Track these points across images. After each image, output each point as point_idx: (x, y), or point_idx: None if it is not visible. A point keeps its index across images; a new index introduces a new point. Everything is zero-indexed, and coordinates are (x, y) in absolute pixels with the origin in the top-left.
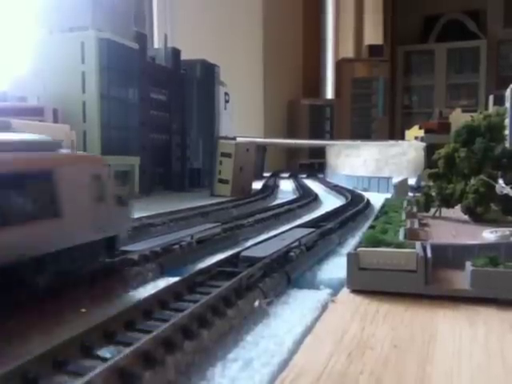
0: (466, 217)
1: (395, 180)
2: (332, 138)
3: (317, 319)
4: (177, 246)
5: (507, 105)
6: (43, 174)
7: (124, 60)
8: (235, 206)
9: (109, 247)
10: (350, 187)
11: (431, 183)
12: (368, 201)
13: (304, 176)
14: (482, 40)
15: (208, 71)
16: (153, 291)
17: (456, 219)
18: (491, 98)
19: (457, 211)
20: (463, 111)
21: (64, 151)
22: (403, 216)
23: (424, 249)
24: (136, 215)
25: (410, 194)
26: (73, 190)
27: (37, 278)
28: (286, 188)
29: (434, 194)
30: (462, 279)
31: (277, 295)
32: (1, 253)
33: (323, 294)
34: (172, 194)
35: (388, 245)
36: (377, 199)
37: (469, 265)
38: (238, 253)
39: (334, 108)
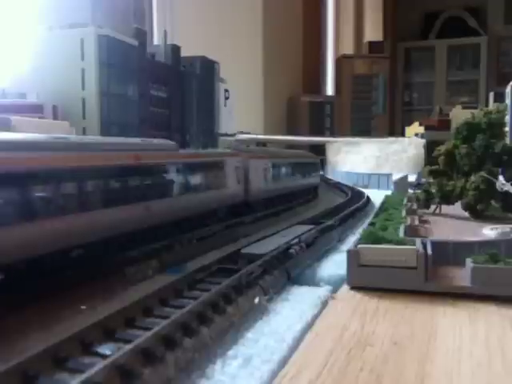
0: (466, 214)
1: (395, 177)
2: (332, 134)
3: (317, 316)
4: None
5: (507, 102)
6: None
7: (124, 57)
8: None
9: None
10: (350, 184)
11: (431, 180)
12: (368, 198)
13: None
14: (483, 37)
15: (208, 68)
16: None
17: (456, 216)
18: (491, 94)
19: (457, 208)
20: (463, 108)
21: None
22: (403, 213)
23: (424, 245)
24: None
25: (410, 191)
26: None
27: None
28: None
29: (434, 190)
30: (462, 276)
31: (277, 292)
32: (218, 199)
33: (323, 290)
34: None
35: (388, 242)
36: (377, 196)
37: (469, 262)
38: (238, 250)
39: (334, 105)
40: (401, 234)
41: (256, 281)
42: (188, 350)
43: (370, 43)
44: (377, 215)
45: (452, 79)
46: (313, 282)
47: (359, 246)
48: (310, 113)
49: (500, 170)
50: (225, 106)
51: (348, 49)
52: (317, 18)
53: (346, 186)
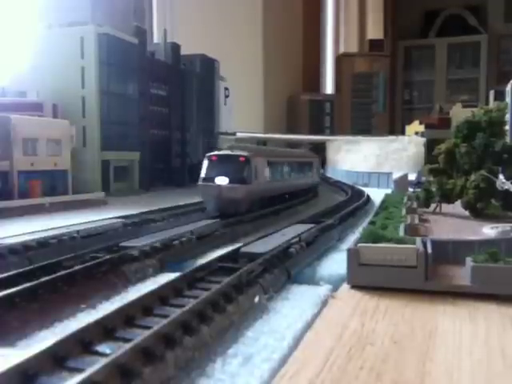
0: (466, 212)
1: (395, 175)
2: (332, 133)
3: (317, 315)
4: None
5: (508, 100)
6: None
7: (123, 55)
8: None
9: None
10: (350, 183)
11: (431, 178)
12: (368, 196)
13: None
14: (483, 35)
15: (208, 66)
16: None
17: (456, 215)
18: (492, 93)
19: (457, 207)
20: (464, 106)
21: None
22: (403, 211)
23: (424, 244)
24: (134, 211)
25: (410, 190)
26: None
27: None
28: None
29: (434, 189)
30: (462, 275)
31: (277, 291)
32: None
33: (323, 289)
34: (172, 190)
35: (388, 240)
36: (377, 195)
37: (469, 261)
38: (238, 248)
39: (334, 103)
40: (401, 232)
41: (256, 279)
42: (188, 349)
43: (371, 41)
44: (377, 214)
45: (452, 77)
46: (313, 280)
47: (359, 244)
48: (310, 111)
49: (500, 168)
50: (225, 104)
51: (348, 47)
52: (317, 18)
53: (346, 184)
